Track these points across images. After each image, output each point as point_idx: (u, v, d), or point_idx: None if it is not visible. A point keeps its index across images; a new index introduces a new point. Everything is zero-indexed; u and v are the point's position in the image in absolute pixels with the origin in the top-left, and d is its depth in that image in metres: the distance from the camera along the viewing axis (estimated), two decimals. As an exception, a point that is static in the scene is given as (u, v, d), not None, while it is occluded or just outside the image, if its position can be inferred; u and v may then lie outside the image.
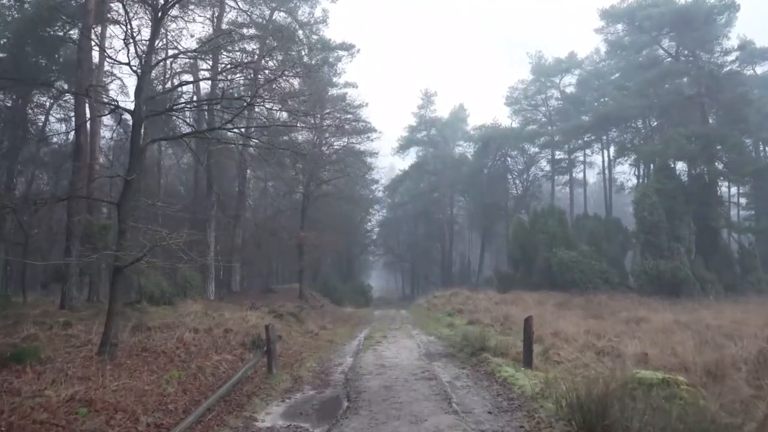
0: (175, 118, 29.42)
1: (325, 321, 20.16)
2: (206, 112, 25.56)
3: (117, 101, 9.16)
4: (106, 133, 33.92)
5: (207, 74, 27.31)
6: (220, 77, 20.09)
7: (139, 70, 8.99)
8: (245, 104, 9.98)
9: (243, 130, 19.42)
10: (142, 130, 10.70)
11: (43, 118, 29.39)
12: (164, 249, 11.45)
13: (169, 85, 28.21)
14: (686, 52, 34.91)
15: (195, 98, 25.54)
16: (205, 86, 27.98)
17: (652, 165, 40.52)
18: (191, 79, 28.81)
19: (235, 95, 13.06)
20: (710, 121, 35.11)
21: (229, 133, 16.70)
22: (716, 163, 30.52)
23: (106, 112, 10.40)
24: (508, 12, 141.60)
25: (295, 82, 30.19)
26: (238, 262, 29.47)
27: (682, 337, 14.01)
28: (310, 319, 19.39)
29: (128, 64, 8.57)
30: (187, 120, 27.24)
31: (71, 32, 23.52)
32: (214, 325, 13.44)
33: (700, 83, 32.83)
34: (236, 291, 28.61)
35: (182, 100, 28.04)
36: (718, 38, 32.68)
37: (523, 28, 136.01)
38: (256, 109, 33.31)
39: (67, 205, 15.84)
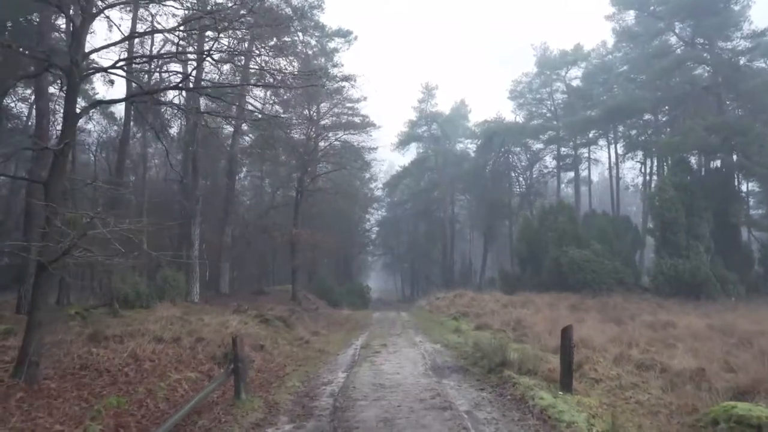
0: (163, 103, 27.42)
1: (318, 326, 18.29)
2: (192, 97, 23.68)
3: (49, 55, 7.28)
4: (92, 125, 32.17)
5: (202, 70, 25.52)
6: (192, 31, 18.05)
7: (79, 16, 7.12)
8: (204, 56, 8.14)
9: (232, 109, 17.59)
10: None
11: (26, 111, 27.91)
12: (128, 243, 9.63)
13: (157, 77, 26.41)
14: (701, 40, 33.08)
15: (184, 89, 23.69)
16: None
17: (663, 160, 38.83)
18: (178, 69, 26.92)
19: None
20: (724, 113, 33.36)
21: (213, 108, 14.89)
22: (736, 156, 28.61)
23: (35, 71, 8.51)
24: (510, 5, 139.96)
25: (285, 63, 28.31)
26: (227, 261, 27.61)
27: (727, 346, 12.20)
28: (301, 323, 17.51)
29: (58, 5, 6.71)
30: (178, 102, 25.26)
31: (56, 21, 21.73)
32: (185, 333, 11.54)
33: (718, 72, 31.00)
34: (225, 293, 26.73)
35: (169, 83, 26.28)
36: (739, 23, 30.83)
37: (526, 21, 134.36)
38: (249, 99, 31.55)
39: (25, 196, 13.96)
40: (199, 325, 12.91)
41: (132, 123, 29.78)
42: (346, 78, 39.99)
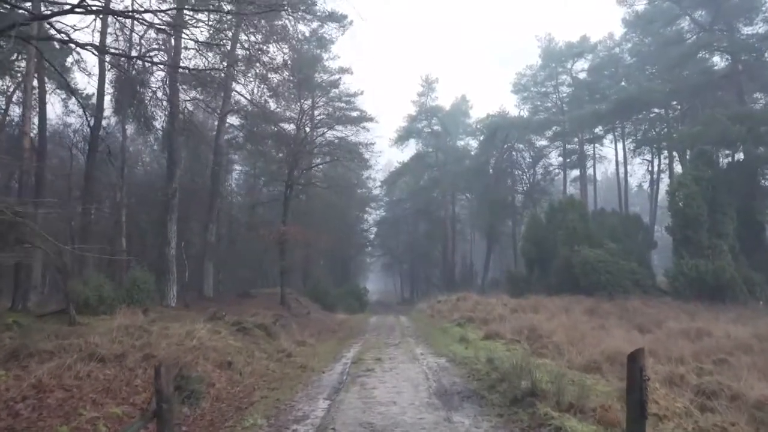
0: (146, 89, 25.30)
1: (306, 334, 16.17)
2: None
3: None
4: (71, 119, 30.21)
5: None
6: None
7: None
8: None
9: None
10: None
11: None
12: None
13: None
14: (718, 26, 31.00)
15: (167, 76, 21.80)
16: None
17: (676, 155, 36.94)
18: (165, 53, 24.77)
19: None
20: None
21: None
22: (761, 148, 26.56)
23: None
24: (510, 4, 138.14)
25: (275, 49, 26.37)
26: (211, 262, 25.50)
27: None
28: (285, 332, 15.39)
29: None
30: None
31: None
32: (137, 348, 9.42)
33: (737, 59, 29.03)
34: (209, 296, 24.60)
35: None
36: (762, 6, 28.77)
37: (526, 21, 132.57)
38: (237, 88, 29.53)
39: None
40: (159, 336, 10.75)
41: (113, 114, 27.80)
42: (342, 70, 38.11)
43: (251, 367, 10.14)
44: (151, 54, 19.39)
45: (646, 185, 47.74)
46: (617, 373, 9.66)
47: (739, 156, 28.68)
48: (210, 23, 23.13)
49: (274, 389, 8.50)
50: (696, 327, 16.12)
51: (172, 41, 22.28)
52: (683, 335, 14.91)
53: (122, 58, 25.71)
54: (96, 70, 21.97)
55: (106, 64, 20.99)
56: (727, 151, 29.17)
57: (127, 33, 22.94)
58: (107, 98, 26.37)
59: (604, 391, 7.33)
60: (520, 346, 13.11)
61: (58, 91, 28.97)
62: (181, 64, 24.28)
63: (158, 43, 23.35)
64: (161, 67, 23.83)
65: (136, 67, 26.79)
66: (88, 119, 25.27)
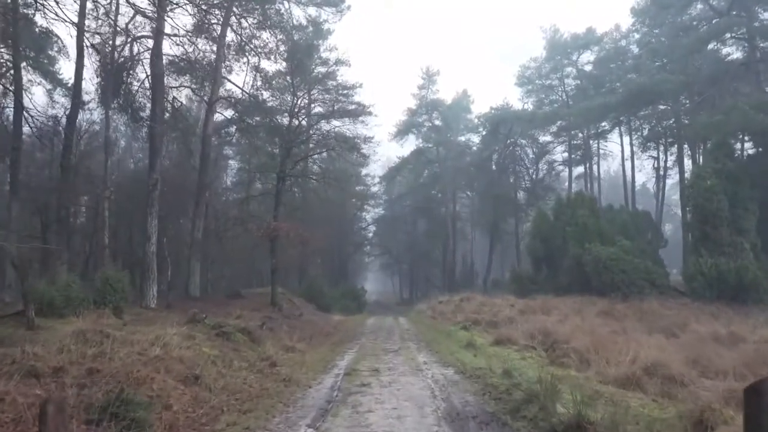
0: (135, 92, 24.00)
1: (296, 338, 14.55)
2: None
3: None
4: (57, 110, 28.70)
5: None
6: None
7: None
8: None
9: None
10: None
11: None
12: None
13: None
14: (735, 11, 29.47)
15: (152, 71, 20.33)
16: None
17: (688, 148, 35.52)
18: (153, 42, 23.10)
19: None
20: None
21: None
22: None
23: None
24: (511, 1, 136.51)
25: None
26: (198, 260, 23.93)
27: None
28: (273, 336, 13.85)
29: None
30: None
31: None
32: (88, 357, 7.82)
33: (754, 47, 27.56)
34: (195, 296, 23.04)
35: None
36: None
37: (527, 18, 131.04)
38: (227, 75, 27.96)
39: None
40: (122, 343, 9.13)
41: (99, 104, 26.29)
42: (340, 62, 36.52)
43: (224, 380, 8.53)
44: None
45: (650, 183, 46.55)
46: (660, 389, 8.13)
47: (759, 148, 27.16)
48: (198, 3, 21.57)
49: (246, 411, 6.91)
50: (728, 332, 14.60)
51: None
52: (715, 340, 13.36)
53: (106, 46, 24.16)
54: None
55: (85, 41, 19.48)
56: (741, 144, 27.67)
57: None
58: (96, 93, 24.79)
59: (661, 418, 5.78)
60: (536, 353, 11.60)
61: (43, 82, 27.45)
62: (167, 46, 22.76)
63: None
64: (146, 52, 22.41)
65: (121, 54, 25.24)
66: (66, 108, 23.75)
